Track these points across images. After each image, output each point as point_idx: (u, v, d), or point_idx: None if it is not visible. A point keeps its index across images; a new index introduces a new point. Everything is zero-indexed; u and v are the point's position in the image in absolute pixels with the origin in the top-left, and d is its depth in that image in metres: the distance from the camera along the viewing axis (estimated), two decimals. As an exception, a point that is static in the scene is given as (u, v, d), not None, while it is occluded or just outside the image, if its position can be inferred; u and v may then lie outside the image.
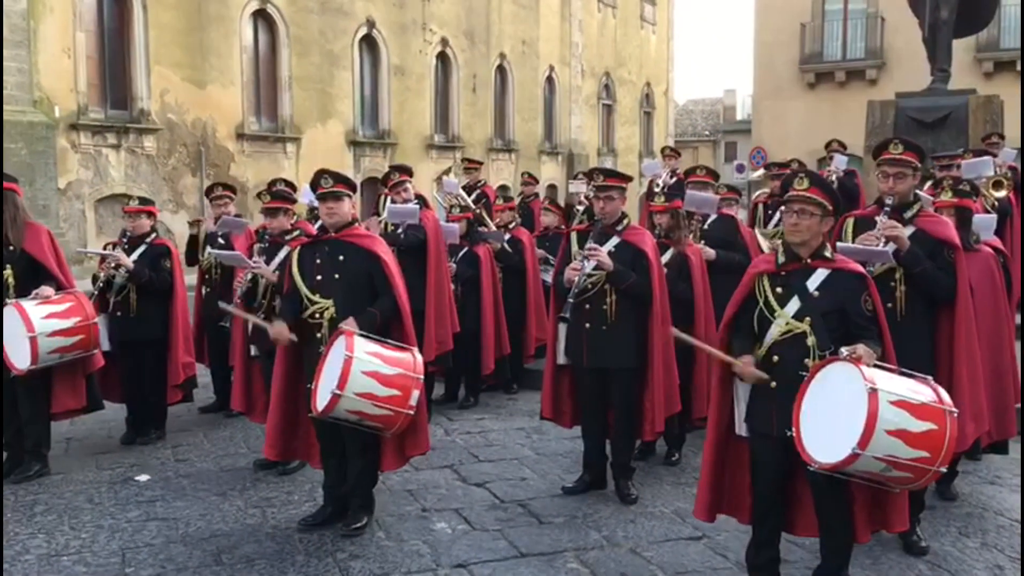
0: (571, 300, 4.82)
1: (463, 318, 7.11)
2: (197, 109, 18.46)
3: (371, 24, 22.22)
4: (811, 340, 3.70)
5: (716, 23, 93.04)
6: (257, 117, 19.89)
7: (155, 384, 6.28)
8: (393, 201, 6.87)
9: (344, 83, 21.62)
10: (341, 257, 4.59)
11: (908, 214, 4.45)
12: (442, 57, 24.62)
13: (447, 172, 10.26)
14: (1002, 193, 7.37)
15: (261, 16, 19.76)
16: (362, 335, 4.40)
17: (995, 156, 8.29)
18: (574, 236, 5.26)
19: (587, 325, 5.05)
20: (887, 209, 4.35)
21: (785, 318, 3.77)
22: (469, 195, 9.57)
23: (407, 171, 6.89)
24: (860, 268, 3.81)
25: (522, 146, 27.44)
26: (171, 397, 6.41)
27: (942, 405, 3.41)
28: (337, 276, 4.57)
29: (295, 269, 4.65)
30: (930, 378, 3.53)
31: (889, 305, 4.39)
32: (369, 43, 22.38)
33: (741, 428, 3.95)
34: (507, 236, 7.78)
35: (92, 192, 16.73)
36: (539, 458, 5.98)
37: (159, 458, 5.94)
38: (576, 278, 4.85)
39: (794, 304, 3.77)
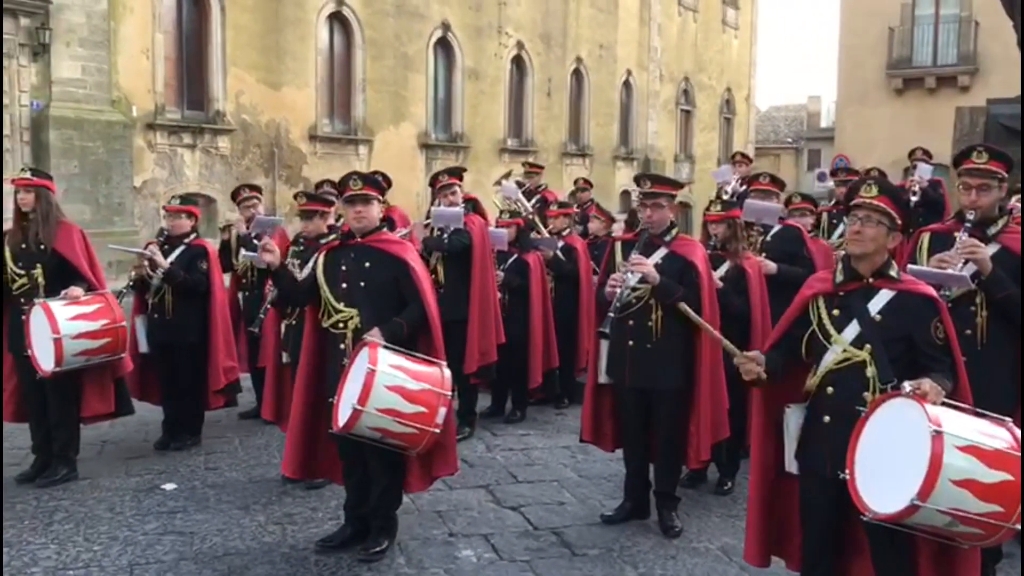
0: (612, 315, 4.47)
1: (510, 328, 6.81)
2: (271, 110, 18.61)
3: (446, 27, 22.14)
4: (871, 371, 3.28)
5: (802, 27, 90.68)
6: (330, 119, 19.97)
7: (192, 388, 6.14)
8: (440, 204, 6.62)
9: (418, 86, 21.59)
10: (367, 264, 4.34)
11: (992, 231, 3.99)
12: (517, 60, 24.40)
13: (507, 175, 9.94)
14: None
15: (337, 18, 19.84)
16: (387, 347, 4.14)
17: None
18: (618, 246, 4.91)
19: (630, 343, 4.69)
20: (968, 225, 3.90)
21: (842, 344, 3.36)
22: (529, 200, 9.27)
23: (457, 173, 6.62)
24: (931, 290, 3.37)
25: (596, 151, 27.03)
26: (213, 402, 6.28)
27: (1018, 452, 2.96)
28: (363, 284, 4.32)
29: (320, 275, 4.41)
30: (1009, 420, 3.08)
31: (968, 332, 3.94)
32: (443, 46, 22.30)
33: (791, 465, 3.55)
34: (561, 243, 7.45)
35: (167, 191, 16.92)
36: (581, 481, 5.64)
37: (190, 465, 5.80)
38: (618, 291, 4.50)
39: (853, 329, 3.35)
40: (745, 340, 5.07)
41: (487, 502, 5.23)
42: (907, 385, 3.01)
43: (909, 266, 3.92)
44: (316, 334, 4.47)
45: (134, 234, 15.62)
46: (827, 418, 3.37)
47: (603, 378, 4.89)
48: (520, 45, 24.32)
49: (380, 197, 4.42)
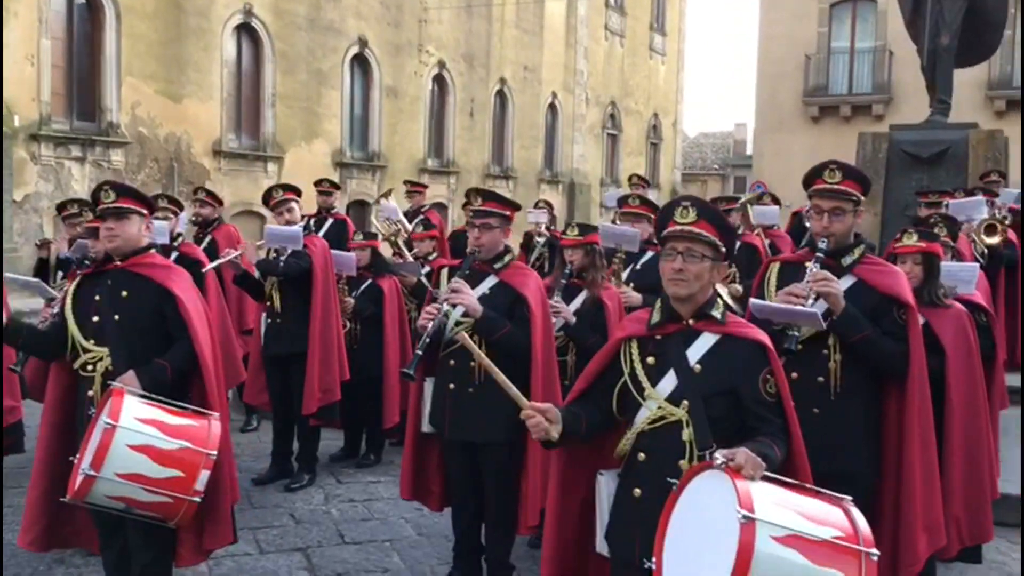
0: (419, 352, 3.81)
1: (363, 362, 6.13)
2: (171, 123, 17.69)
3: (363, 43, 21.48)
4: (687, 433, 2.68)
5: (732, 56, 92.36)
6: (237, 134, 19.10)
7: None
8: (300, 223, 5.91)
9: (332, 102, 20.86)
10: (124, 293, 3.62)
11: (847, 261, 3.44)
12: (439, 79, 23.84)
13: (386, 195, 9.25)
14: (995, 239, 6.29)
15: (245, 30, 19.03)
16: (139, 396, 3.41)
17: (995, 196, 7.25)
18: (444, 272, 4.26)
19: (451, 386, 4.05)
20: (820, 255, 3.34)
21: (657, 400, 2.75)
22: (410, 221, 8.62)
23: (293, 189, 5.92)
24: (760, 335, 2.77)
25: (521, 173, 26.56)
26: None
27: (855, 544, 2.37)
28: (116, 317, 3.59)
29: (68, 307, 3.67)
30: (848, 499, 2.48)
31: (820, 379, 3.39)
32: (360, 62, 21.64)
33: (602, 545, 2.92)
34: (426, 269, 6.79)
35: (51, 206, 15.90)
36: (418, 540, 4.96)
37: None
38: (430, 325, 3.84)
39: (669, 381, 2.74)
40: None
41: (300, 570, 4.52)
42: (718, 456, 2.40)
43: (752, 301, 3.37)
44: (64, 377, 3.72)
45: (12, 251, 14.57)
46: (638, 491, 2.75)
47: (426, 427, 4.23)
48: (442, 64, 23.76)
49: (142, 211, 3.70)
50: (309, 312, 5.64)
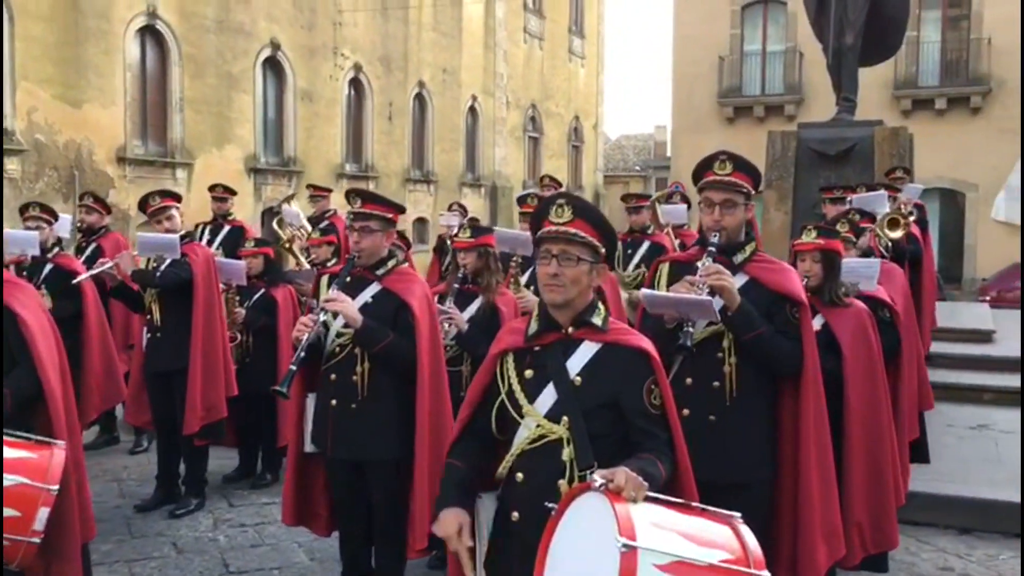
0: (293, 367, 3.53)
1: (256, 376, 5.79)
2: (71, 130, 16.89)
3: (275, 46, 20.93)
4: (568, 452, 2.46)
5: (652, 58, 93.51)
6: (143, 140, 18.37)
7: None
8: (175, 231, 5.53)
9: (244, 106, 20.25)
10: (-43, 311, 3.25)
11: (738, 259, 3.28)
12: (355, 83, 23.39)
13: (288, 200, 8.88)
14: (898, 233, 6.27)
15: (149, 32, 18.31)
16: (-30, 425, 3.05)
17: (897, 192, 7.26)
18: (324, 280, 3.98)
19: (333, 402, 3.77)
20: (712, 250, 3.16)
21: (536, 417, 2.52)
22: (314, 227, 8.27)
23: (173, 196, 5.56)
24: (643, 342, 2.57)
25: (442, 177, 26.25)
26: None
27: (744, 566, 2.16)
28: (-55, 339, 3.22)
29: None
30: (737, 516, 2.29)
31: (716, 384, 3.20)
32: (273, 65, 21.07)
33: (481, 574, 2.67)
34: (324, 277, 6.47)
35: (-59, 217, 15.04)
36: (309, 567, 4.67)
37: None
38: (305, 336, 3.56)
39: (548, 396, 2.52)
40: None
41: (175, 605, 4.17)
42: (597, 477, 2.18)
43: (644, 292, 3.17)
44: None
45: None
46: (516, 514, 2.52)
47: (308, 447, 3.94)
48: (358, 67, 23.33)
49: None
50: (191, 325, 5.28)
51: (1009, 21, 19.26)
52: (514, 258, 5.01)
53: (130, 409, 5.78)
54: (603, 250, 2.53)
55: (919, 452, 5.55)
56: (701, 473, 3.22)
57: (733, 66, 22.32)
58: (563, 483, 2.43)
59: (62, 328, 5.86)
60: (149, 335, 5.45)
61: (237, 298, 5.85)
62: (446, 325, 4.34)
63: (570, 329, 2.54)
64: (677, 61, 23.05)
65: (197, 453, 5.58)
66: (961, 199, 22.44)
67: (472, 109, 27.55)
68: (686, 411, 3.19)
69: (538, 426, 2.49)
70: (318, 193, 9.17)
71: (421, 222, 24.46)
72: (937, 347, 8.38)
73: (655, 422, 2.48)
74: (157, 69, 18.65)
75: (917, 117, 19.56)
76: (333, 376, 3.76)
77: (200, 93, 19.15)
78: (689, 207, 8.63)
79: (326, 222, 8.59)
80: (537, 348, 2.57)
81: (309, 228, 8.24)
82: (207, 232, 7.98)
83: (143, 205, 5.49)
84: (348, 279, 3.81)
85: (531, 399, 2.52)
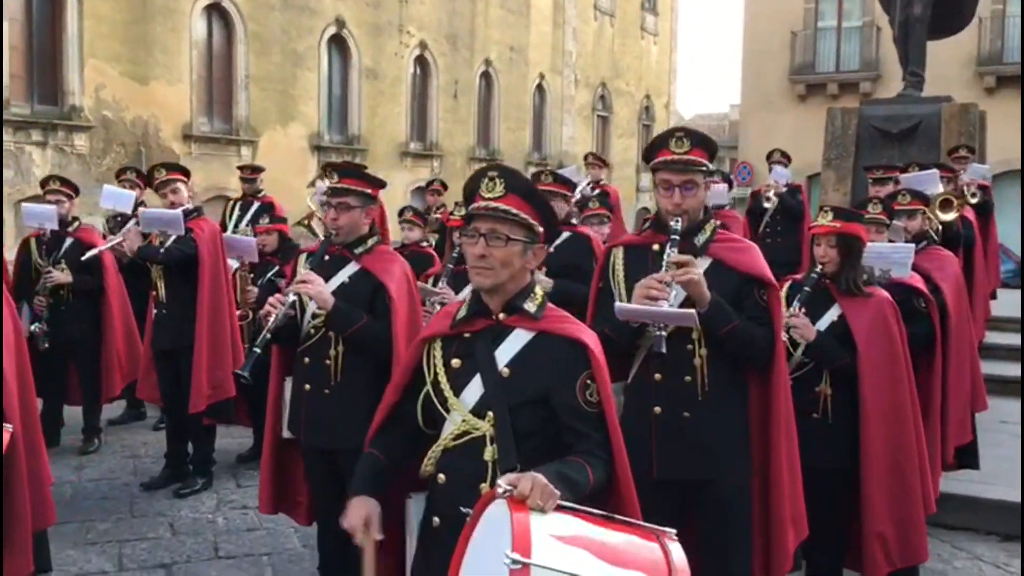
0: (256, 350, 3.37)
1: (269, 357, 5.67)
2: (138, 106, 17.21)
3: (341, 23, 20.94)
4: (490, 452, 2.23)
5: (728, 35, 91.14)
6: (208, 117, 18.62)
7: None
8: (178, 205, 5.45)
9: (309, 84, 20.35)
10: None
11: (700, 240, 2.98)
12: (420, 61, 23.30)
13: (322, 176, 8.76)
14: (950, 216, 5.78)
15: (215, 10, 18.52)
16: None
17: (954, 172, 6.75)
18: (302, 259, 3.81)
19: (307, 387, 3.61)
20: (675, 237, 2.87)
21: (461, 412, 2.29)
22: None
23: (180, 169, 5.46)
24: (581, 332, 2.31)
25: (507, 156, 26.00)
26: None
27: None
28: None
29: None
30: (671, 531, 2.02)
31: (688, 379, 2.92)
32: (338, 43, 21.11)
33: (415, 578, 2.47)
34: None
35: (13, 192, 15.49)
36: (300, 554, 4.54)
37: None
38: (272, 317, 3.39)
39: (475, 388, 2.29)
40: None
41: (154, 589, 4.09)
42: (501, 483, 1.94)
43: (617, 305, 2.89)
44: None
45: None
46: (436, 520, 2.30)
47: (285, 432, 3.79)
48: (424, 45, 23.22)
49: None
50: (196, 302, 5.20)
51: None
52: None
53: (142, 385, 5.75)
54: (540, 229, 2.28)
55: (968, 457, 5.13)
56: (680, 472, 2.98)
57: (806, 41, 21.43)
58: (485, 486, 2.21)
59: (83, 303, 5.98)
60: (156, 312, 5.40)
61: (250, 276, 5.75)
62: (439, 306, 4.14)
63: (501, 315, 2.31)
64: (748, 37, 22.24)
65: (204, 432, 5.51)
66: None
67: (540, 87, 27.22)
68: (657, 409, 2.94)
69: (463, 421, 2.27)
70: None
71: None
72: (994, 337, 7.81)
73: (589, 421, 2.22)
74: (223, 46, 18.86)
75: (1001, 95, 18.46)
76: (307, 359, 3.60)
77: (265, 71, 19.31)
78: (731, 187, 8.24)
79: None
80: (467, 335, 2.34)
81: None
82: (237, 208, 7.93)
83: (149, 178, 5.43)
84: (325, 258, 3.64)
85: (457, 392, 2.29)
